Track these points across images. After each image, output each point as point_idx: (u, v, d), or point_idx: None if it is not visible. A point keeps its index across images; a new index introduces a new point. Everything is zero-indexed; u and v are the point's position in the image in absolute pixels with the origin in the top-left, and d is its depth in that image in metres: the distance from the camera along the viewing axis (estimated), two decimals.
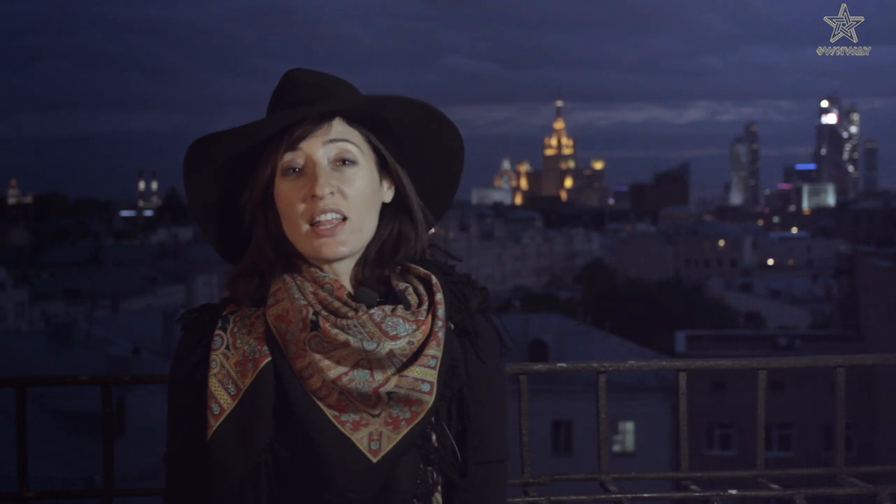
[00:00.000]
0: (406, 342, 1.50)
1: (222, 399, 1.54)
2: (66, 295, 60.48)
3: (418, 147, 1.64)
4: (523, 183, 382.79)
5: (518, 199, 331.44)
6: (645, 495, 2.35)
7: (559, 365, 2.37)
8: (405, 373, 1.50)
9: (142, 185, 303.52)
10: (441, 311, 1.55)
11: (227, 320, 1.59)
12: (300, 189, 1.53)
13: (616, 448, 33.06)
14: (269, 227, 1.59)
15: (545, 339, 35.99)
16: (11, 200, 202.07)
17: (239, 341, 1.56)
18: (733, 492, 2.39)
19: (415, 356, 1.51)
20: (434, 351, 1.52)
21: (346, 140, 1.55)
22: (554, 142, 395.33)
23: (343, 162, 1.54)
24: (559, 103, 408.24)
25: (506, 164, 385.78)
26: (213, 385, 1.54)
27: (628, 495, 2.32)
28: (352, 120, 1.57)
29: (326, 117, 1.55)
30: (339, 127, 1.55)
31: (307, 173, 1.53)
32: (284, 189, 1.54)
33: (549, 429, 32.12)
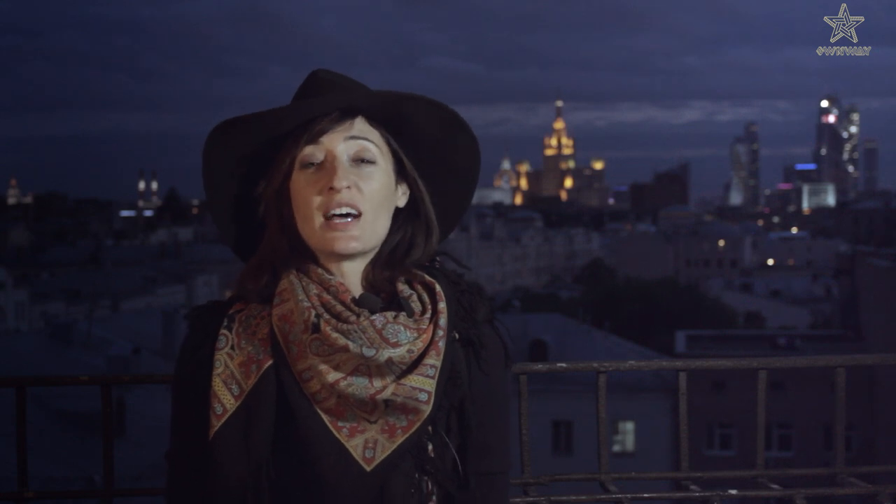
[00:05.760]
0: (406, 350, 1.50)
1: (225, 399, 1.53)
2: (66, 295, 60.44)
3: (435, 156, 1.65)
4: (523, 183, 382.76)
5: (518, 199, 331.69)
6: (645, 495, 2.35)
7: (559, 365, 2.36)
8: (403, 381, 1.49)
9: (142, 185, 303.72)
10: (443, 321, 1.55)
11: (232, 319, 1.58)
12: (318, 182, 1.53)
13: (616, 448, 33.04)
14: (283, 221, 1.59)
15: (545, 339, 35.95)
16: (11, 200, 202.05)
17: (244, 342, 1.56)
18: (733, 492, 2.38)
19: (414, 365, 1.51)
20: (433, 360, 1.52)
21: (366, 139, 1.56)
22: (554, 142, 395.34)
23: (362, 160, 1.55)
24: (559, 103, 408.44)
25: (506, 164, 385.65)
26: (217, 385, 1.54)
27: (628, 495, 2.32)
28: (373, 120, 1.58)
29: (349, 115, 1.56)
30: (360, 125, 1.57)
31: (326, 167, 1.54)
32: (302, 181, 1.55)
33: (549, 429, 32.10)
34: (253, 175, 1.61)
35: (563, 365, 2.37)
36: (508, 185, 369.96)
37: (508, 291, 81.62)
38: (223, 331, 1.57)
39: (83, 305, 49.45)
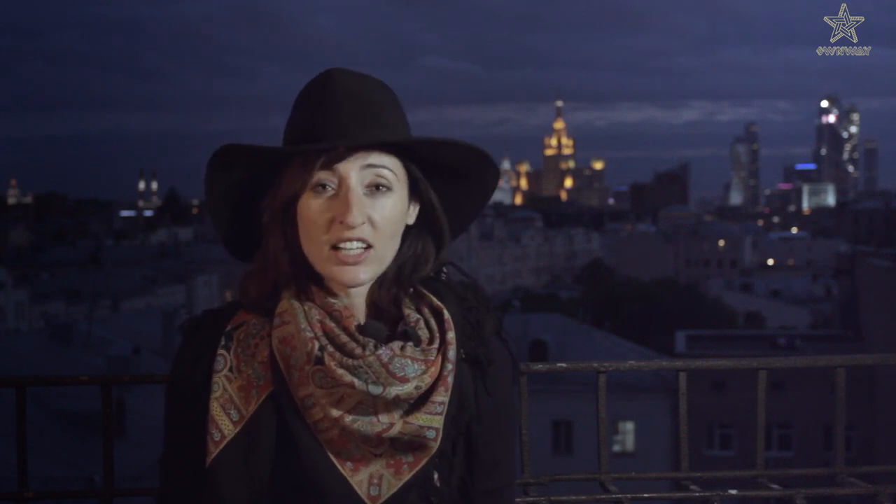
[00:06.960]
0: (413, 386, 1.44)
1: (224, 426, 1.48)
2: (66, 295, 60.47)
3: (452, 181, 1.59)
4: (523, 183, 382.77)
5: (518, 199, 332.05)
6: (645, 495, 2.35)
7: (559, 365, 2.36)
8: (410, 419, 1.45)
9: (142, 185, 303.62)
10: (451, 353, 1.49)
11: (230, 338, 1.52)
12: (329, 210, 1.46)
13: (616, 448, 33.05)
14: (286, 237, 1.52)
15: (545, 339, 35.97)
16: (11, 200, 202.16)
17: (243, 364, 1.50)
18: (733, 492, 2.38)
19: (421, 400, 1.46)
20: (441, 397, 1.47)
21: (383, 166, 1.48)
22: (554, 142, 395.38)
23: (377, 187, 1.47)
24: (559, 103, 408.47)
25: (506, 164, 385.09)
26: (215, 410, 1.48)
27: (628, 495, 2.32)
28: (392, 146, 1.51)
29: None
30: (379, 154, 1.48)
31: (339, 196, 1.45)
32: (312, 206, 1.47)
33: (549, 429, 32.11)
34: (256, 184, 1.55)
35: (563, 365, 2.37)
36: (508, 185, 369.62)
37: (508, 291, 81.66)
38: (221, 351, 1.51)
39: (83, 305, 49.46)
